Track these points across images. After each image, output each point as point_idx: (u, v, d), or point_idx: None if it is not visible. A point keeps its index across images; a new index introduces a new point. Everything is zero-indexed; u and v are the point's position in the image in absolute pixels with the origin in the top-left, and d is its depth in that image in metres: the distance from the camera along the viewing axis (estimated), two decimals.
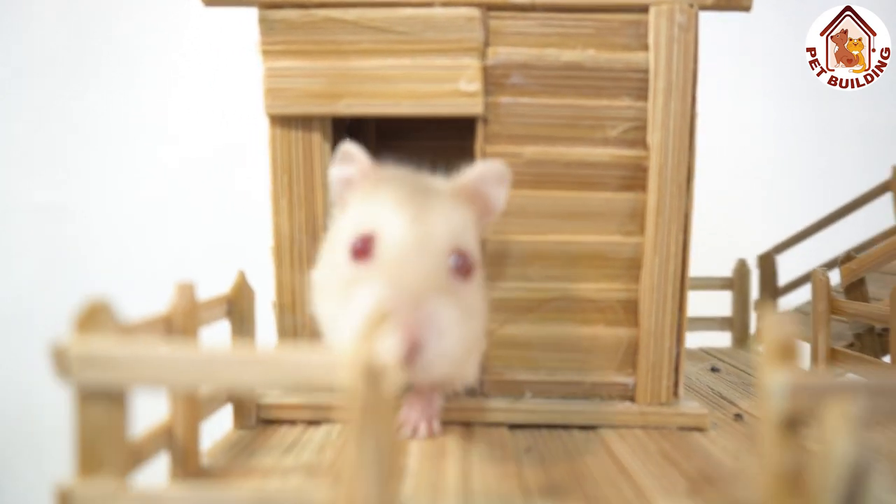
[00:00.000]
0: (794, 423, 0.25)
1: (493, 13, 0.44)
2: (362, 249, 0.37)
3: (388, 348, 0.28)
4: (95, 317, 0.26)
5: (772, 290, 0.78)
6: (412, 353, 0.32)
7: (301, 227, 0.45)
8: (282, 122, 0.45)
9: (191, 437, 0.34)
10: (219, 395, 0.40)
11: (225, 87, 1.03)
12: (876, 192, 0.75)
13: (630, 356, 0.45)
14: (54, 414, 0.54)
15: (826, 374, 0.27)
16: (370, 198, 0.39)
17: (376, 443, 0.24)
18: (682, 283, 0.45)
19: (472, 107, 0.43)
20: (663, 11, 0.43)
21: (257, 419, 0.44)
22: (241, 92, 0.74)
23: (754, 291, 0.79)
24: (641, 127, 0.44)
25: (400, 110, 0.44)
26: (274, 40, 0.44)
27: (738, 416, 0.48)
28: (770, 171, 1.12)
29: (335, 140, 0.45)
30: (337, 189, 0.42)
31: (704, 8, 0.43)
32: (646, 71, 0.43)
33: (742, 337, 0.77)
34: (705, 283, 0.78)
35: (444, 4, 0.43)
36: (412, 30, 0.43)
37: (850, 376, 0.61)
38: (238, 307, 0.42)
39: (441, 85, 0.43)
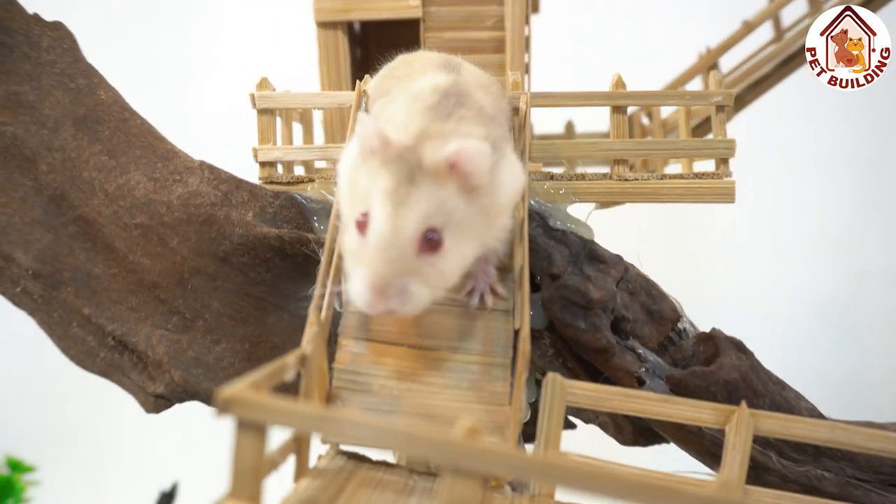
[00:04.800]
0: None
1: None
2: (362, 225, 0.49)
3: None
4: None
5: None
6: (390, 313, 0.48)
7: (336, 80, 0.89)
8: (322, 25, 0.88)
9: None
10: None
11: None
12: None
13: None
14: None
15: None
16: (376, 173, 0.49)
17: None
18: None
19: (416, 13, 0.87)
20: None
21: None
22: None
23: None
24: (501, 20, 0.86)
25: (381, 16, 0.87)
26: None
27: None
28: None
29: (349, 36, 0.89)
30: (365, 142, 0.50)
31: None
32: None
33: None
34: None
35: None
36: None
37: None
38: None
39: (401, 3, 0.87)
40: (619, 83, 0.68)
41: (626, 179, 0.68)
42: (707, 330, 0.64)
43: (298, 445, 0.50)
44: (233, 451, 0.37)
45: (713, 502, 0.33)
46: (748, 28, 0.91)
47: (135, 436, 1.37)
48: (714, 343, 0.59)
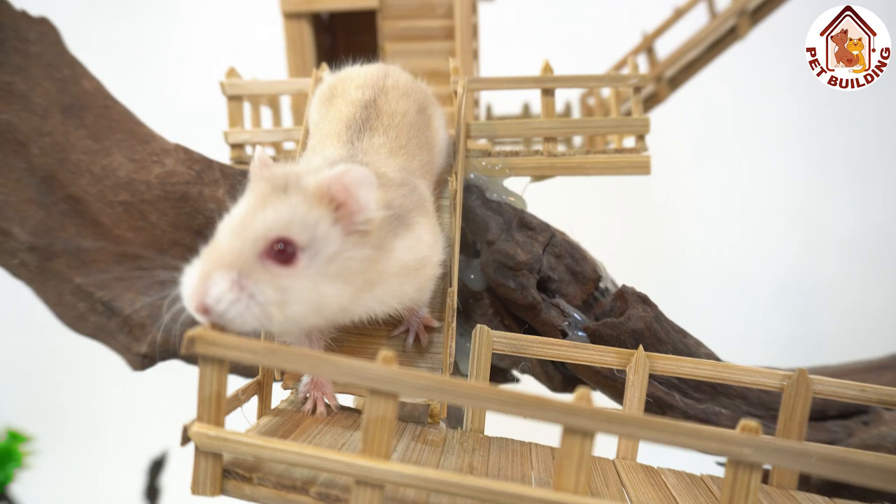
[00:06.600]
0: None
1: None
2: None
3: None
4: None
5: None
6: (202, 312, 0.43)
7: (302, 68, 0.97)
8: (288, 16, 0.96)
9: None
10: None
11: None
12: None
13: None
14: None
15: None
16: (252, 187, 0.47)
17: None
18: None
19: (372, 3, 0.94)
20: None
21: None
22: None
23: None
24: (451, 9, 0.94)
25: (342, 7, 0.95)
26: None
27: None
28: None
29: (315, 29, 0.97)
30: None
31: None
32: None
33: None
34: None
35: None
36: None
37: None
38: None
39: None
40: (547, 68, 0.76)
41: (555, 155, 0.76)
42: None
43: (261, 388, 0.59)
44: (198, 382, 0.46)
45: (573, 410, 0.42)
46: (678, 14, 0.99)
47: (127, 407, 1.46)
48: (624, 298, 0.68)
